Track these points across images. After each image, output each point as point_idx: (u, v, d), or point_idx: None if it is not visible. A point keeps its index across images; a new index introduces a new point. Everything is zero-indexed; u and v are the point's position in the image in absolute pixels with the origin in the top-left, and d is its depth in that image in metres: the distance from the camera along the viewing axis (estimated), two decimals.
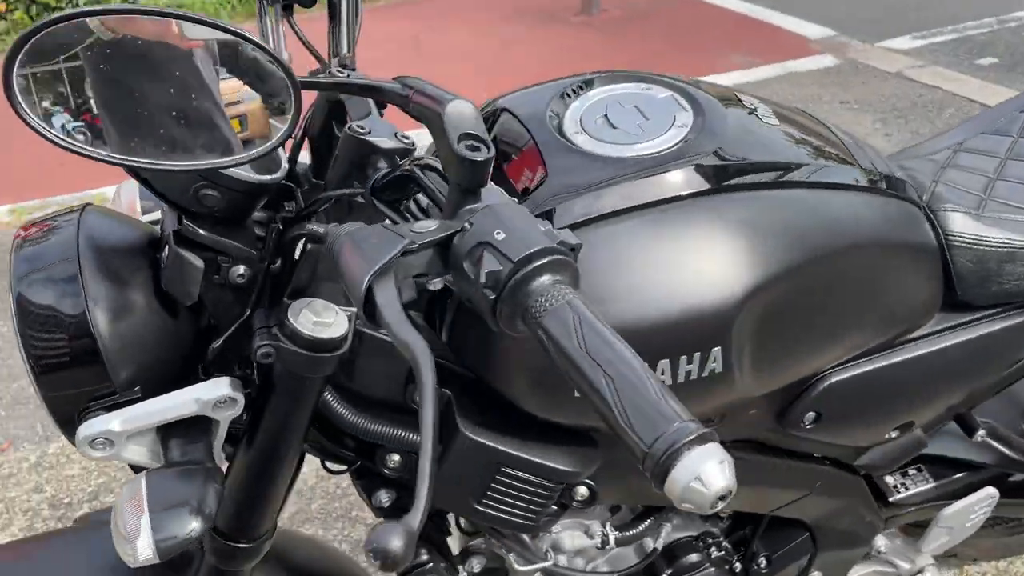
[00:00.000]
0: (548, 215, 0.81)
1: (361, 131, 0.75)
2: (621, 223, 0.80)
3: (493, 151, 0.59)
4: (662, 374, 0.81)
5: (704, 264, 0.80)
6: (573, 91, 0.92)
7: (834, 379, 0.98)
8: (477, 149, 0.59)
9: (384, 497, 0.97)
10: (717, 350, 0.81)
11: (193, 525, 0.70)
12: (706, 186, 0.82)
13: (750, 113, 0.91)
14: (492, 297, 0.56)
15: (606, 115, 0.89)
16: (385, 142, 0.75)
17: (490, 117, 0.93)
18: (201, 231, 0.74)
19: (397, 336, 0.53)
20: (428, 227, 0.59)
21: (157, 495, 0.70)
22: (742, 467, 1.07)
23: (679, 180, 0.82)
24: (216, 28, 0.55)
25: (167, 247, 0.75)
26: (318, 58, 0.91)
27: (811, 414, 1.00)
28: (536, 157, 0.85)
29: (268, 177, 0.75)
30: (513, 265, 0.55)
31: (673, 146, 0.85)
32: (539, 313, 0.54)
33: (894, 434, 1.10)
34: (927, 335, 1.04)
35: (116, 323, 0.75)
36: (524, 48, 4.95)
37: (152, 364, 0.77)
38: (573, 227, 0.80)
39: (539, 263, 0.55)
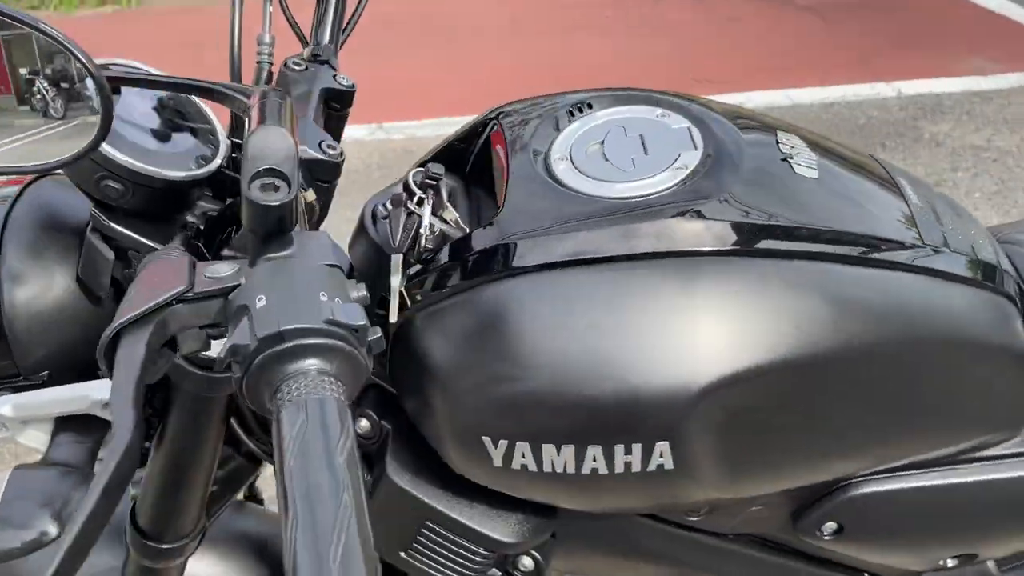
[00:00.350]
0: (506, 251, 0.70)
1: None
2: (567, 275, 0.68)
3: (293, 193, 0.49)
4: (593, 460, 0.68)
5: (657, 342, 0.66)
6: (579, 108, 0.79)
7: (863, 490, 0.81)
8: (276, 189, 0.49)
9: None
10: (663, 445, 0.67)
11: (46, 529, 0.67)
12: (687, 246, 0.68)
13: (783, 159, 0.75)
14: (238, 375, 0.47)
15: (603, 142, 0.76)
16: (304, 152, 0.67)
17: (483, 127, 0.82)
18: (111, 223, 0.69)
19: (111, 401, 0.45)
20: (219, 273, 0.51)
21: (16, 493, 0.67)
22: (748, 564, 0.92)
23: (653, 234, 0.68)
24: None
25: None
26: (304, 42, 0.83)
27: (831, 524, 0.83)
28: (504, 182, 0.74)
29: (181, 173, 0.69)
30: (257, 343, 0.46)
31: (662, 191, 0.71)
32: (282, 401, 0.44)
33: (951, 563, 0.90)
34: (1004, 456, 0.83)
35: (29, 303, 0.72)
36: (739, 29, 4.64)
37: (65, 351, 0.74)
38: (520, 272, 0.68)
39: (292, 344, 0.46)
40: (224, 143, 0.74)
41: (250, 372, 0.46)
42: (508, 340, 0.67)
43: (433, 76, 3.91)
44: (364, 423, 0.81)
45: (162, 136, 0.72)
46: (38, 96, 0.63)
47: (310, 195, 0.65)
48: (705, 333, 0.67)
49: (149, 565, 0.85)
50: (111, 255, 0.71)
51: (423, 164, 0.84)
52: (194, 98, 0.76)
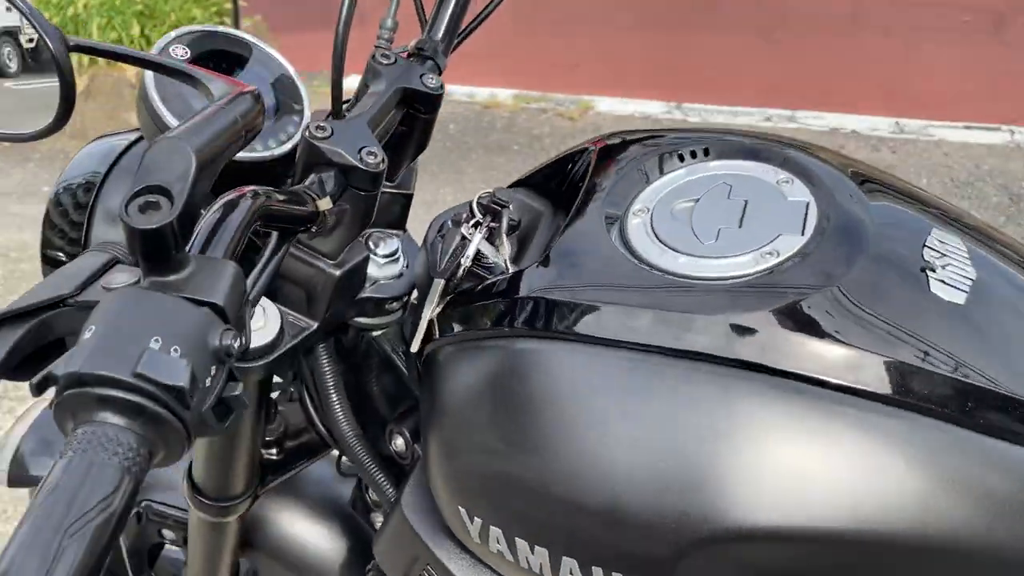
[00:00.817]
0: (529, 308, 0.60)
1: (320, 134, 0.62)
2: (580, 354, 0.57)
3: (174, 214, 0.43)
4: (570, 573, 0.57)
5: (670, 461, 0.53)
6: (692, 153, 0.66)
7: None
8: (157, 208, 0.43)
9: (379, 520, 0.88)
10: None
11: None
12: (744, 355, 0.53)
13: (921, 269, 0.57)
14: (56, 403, 0.43)
15: (697, 201, 0.63)
16: (341, 156, 0.61)
17: (583, 154, 0.71)
18: None
19: None
20: (111, 284, 0.47)
21: (46, 422, 0.71)
22: None
23: (700, 331, 0.54)
24: None
25: None
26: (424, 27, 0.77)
27: None
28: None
29: (247, 155, 0.66)
30: (61, 380, 0.41)
31: (734, 278, 0.57)
32: (64, 449, 0.40)
33: None
34: None
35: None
36: None
37: None
38: (535, 336, 0.58)
39: (92, 392, 0.40)
40: (303, 127, 0.71)
41: (57, 406, 0.42)
42: (500, 411, 0.59)
43: (749, 65, 3.67)
44: (399, 441, 0.77)
45: None
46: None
47: (325, 203, 0.59)
48: (739, 467, 0.53)
49: (206, 519, 0.88)
50: None
51: (517, 184, 0.75)
52: (296, 79, 0.73)
